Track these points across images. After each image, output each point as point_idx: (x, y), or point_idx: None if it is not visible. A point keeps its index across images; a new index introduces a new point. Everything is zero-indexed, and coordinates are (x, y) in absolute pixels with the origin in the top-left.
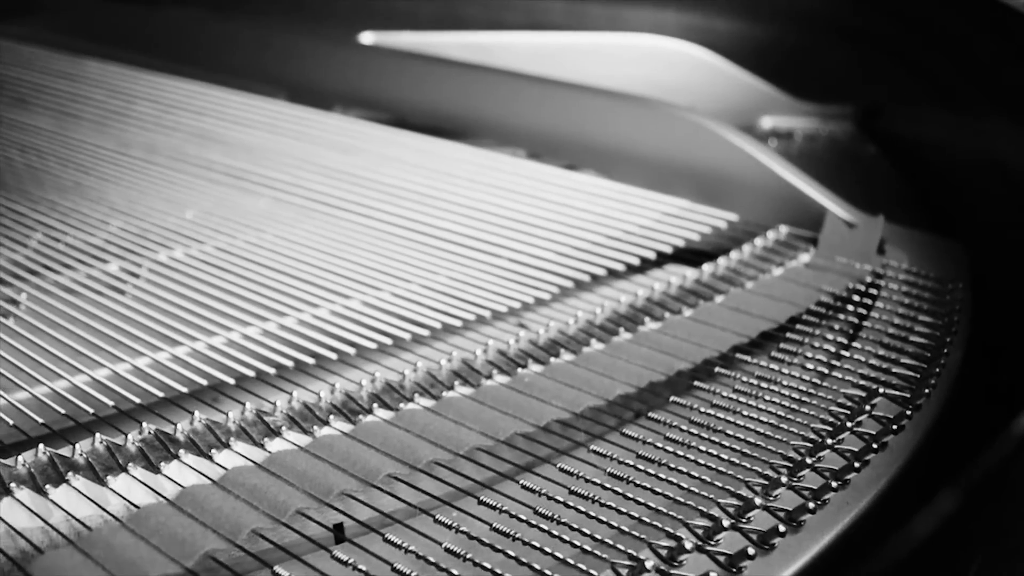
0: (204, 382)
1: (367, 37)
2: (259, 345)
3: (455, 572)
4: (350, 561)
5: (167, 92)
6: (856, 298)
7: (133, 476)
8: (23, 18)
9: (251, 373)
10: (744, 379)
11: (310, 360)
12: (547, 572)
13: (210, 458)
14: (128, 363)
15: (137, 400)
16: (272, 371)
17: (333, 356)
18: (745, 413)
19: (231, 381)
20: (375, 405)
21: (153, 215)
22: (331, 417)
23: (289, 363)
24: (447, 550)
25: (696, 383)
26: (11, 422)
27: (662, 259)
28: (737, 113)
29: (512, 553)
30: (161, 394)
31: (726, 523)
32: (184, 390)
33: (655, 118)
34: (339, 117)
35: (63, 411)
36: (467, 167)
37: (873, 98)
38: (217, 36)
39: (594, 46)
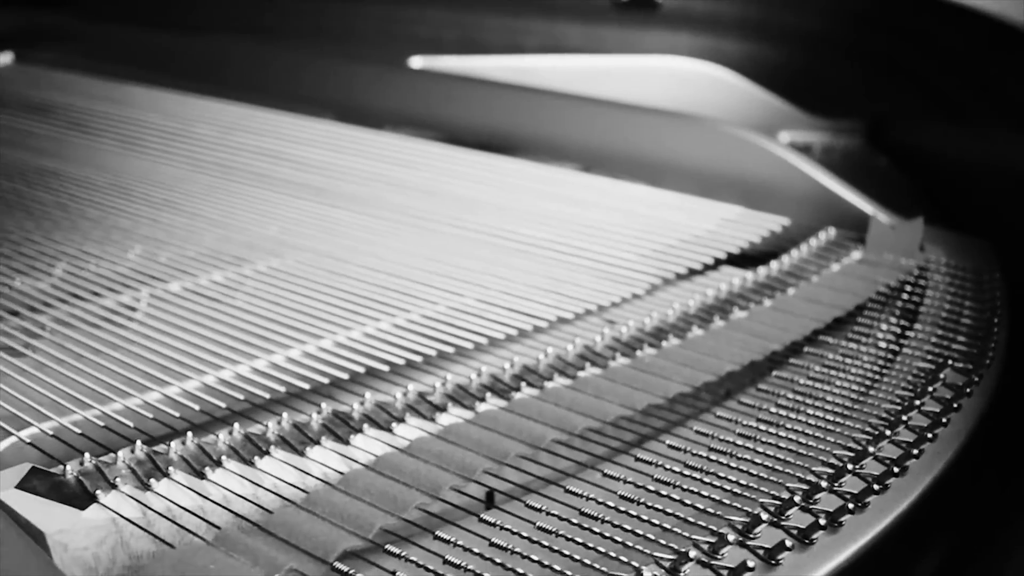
0: (361, 369)
1: (416, 61)
2: (401, 338)
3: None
4: (497, 523)
5: (224, 115)
6: (909, 288)
7: (327, 449)
8: (53, 44)
9: (400, 362)
10: (823, 362)
11: (450, 349)
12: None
13: (391, 431)
14: (298, 349)
15: (306, 386)
16: (401, 361)
17: (450, 350)
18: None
19: (385, 368)
20: (523, 384)
21: (243, 228)
22: (487, 395)
23: (431, 353)
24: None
25: (789, 360)
26: (196, 407)
27: (717, 262)
28: (757, 129)
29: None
30: (325, 380)
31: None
32: (345, 376)
33: (701, 133)
34: (397, 136)
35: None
36: (533, 181)
37: (880, 112)
38: (263, 62)
39: (621, 69)
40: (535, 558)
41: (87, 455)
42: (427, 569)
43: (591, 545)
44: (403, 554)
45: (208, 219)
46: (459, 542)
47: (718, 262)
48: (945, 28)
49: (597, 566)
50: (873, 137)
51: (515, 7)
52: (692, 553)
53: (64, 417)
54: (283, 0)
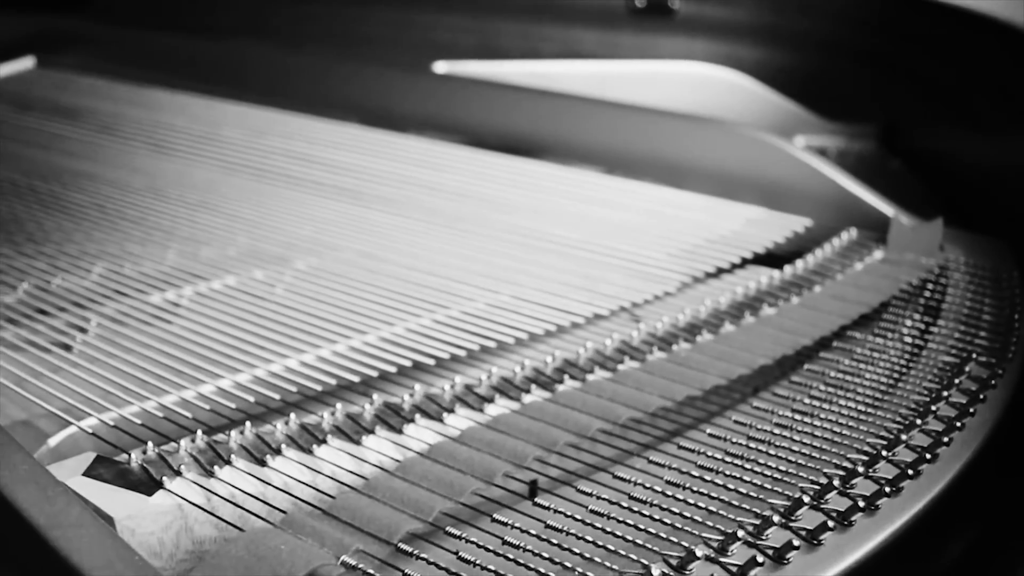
0: (407, 363)
1: (440, 67)
2: (443, 333)
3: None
4: (551, 506)
5: (250, 119)
6: (931, 286)
7: (380, 438)
8: (74, 48)
9: (445, 356)
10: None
11: (491, 344)
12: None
13: (441, 420)
14: (344, 344)
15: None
16: (446, 355)
17: (493, 344)
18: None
19: (431, 362)
20: (566, 376)
21: (279, 229)
22: (532, 387)
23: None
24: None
25: (819, 354)
26: (251, 398)
27: (744, 262)
28: (772, 133)
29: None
30: (374, 373)
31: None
32: (392, 370)
33: (722, 136)
34: (423, 139)
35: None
36: (560, 183)
37: (893, 116)
38: (284, 66)
39: (637, 73)
40: (589, 538)
41: (150, 444)
42: (487, 549)
43: (641, 527)
44: (463, 535)
45: (244, 219)
46: (516, 524)
47: (745, 261)
48: (957, 33)
49: (649, 546)
50: (887, 141)
51: (532, 13)
52: (739, 534)
53: (122, 408)
54: (297, 4)
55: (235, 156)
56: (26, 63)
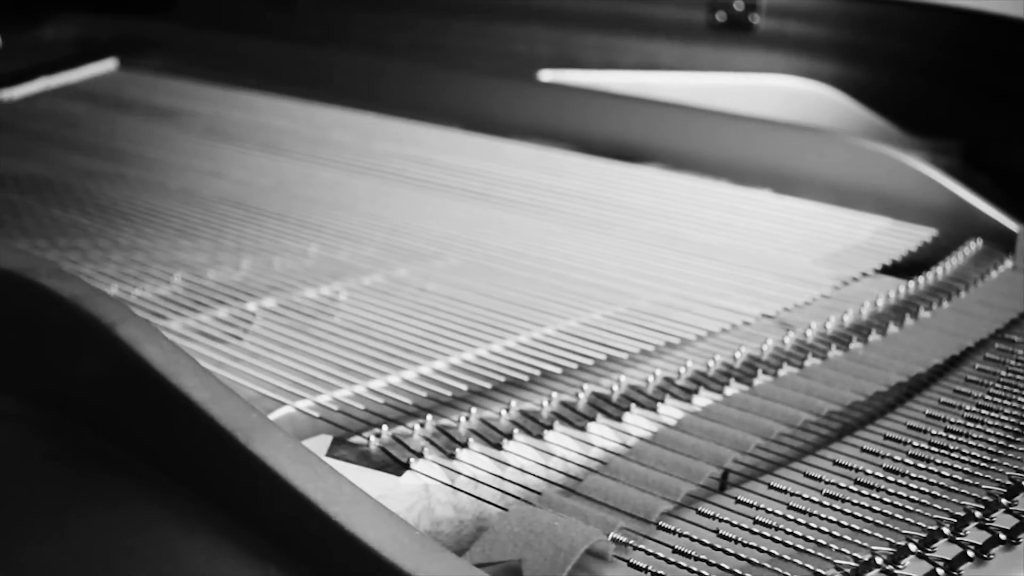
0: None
1: (546, 75)
2: (613, 331)
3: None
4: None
5: (359, 124)
6: None
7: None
8: (155, 51)
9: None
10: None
11: (660, 342)
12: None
13: (655, 410)
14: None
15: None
16: (622, 353)
17: (661, 343)
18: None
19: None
20: (760, 371)
21: (419, 227)
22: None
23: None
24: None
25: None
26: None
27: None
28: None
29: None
30: (590, 361)
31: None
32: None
33: (838, 147)
34: (540, 145)
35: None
36: (687, 191)
37: (972, 133)
38: (387, 74)
39: (723, 86)
40: (817, 520)
41: (384, 427)
42: (731, 524)
43: (844, 522)
44: (715, 515)
45: (379, 218)
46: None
47: (886, 269)
48: None
49: (848, 537)
50: (970, 158)
51: (611, 26)
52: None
53: (332, 392)
54: (374, 12)
55: (352, 158)
56: (108, 65)
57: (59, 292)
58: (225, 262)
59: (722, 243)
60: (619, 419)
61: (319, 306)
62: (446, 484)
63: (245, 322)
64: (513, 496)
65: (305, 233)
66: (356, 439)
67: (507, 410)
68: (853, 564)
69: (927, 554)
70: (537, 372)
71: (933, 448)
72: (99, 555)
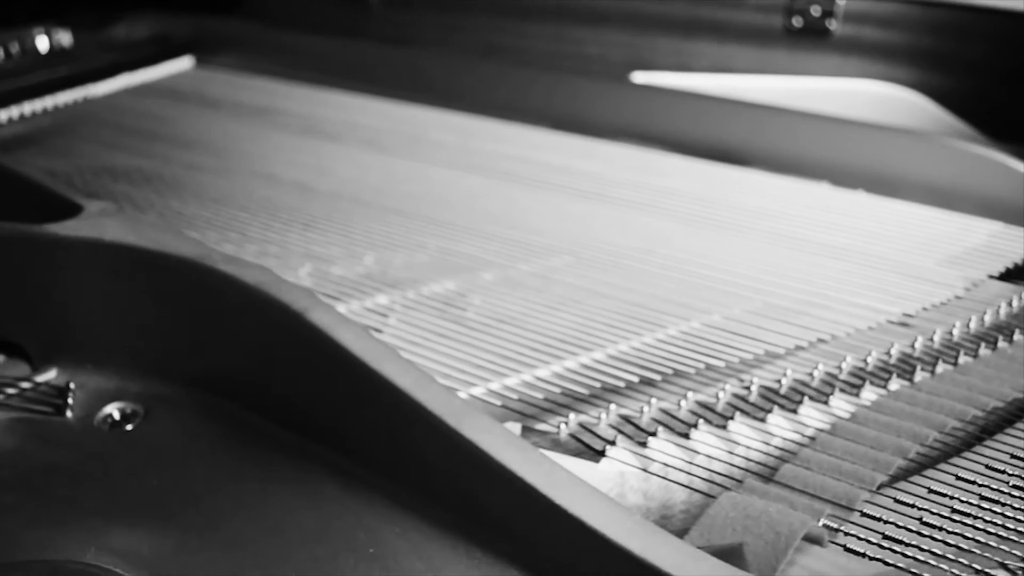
0: (760, 351)
1: (639, 77)
2: (759, 328)
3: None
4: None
5: (456, 124)
6: None
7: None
8: (230, 49)
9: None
10: None
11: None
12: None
13: (826, 403)
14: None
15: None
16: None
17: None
18: None
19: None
20: (895, 375)
21: (531, 224)
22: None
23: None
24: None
25: None
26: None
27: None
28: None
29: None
30: (749, 355)
31: None
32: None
33: (940, 151)
34: (637, 147)
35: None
36: (795, 193)
37: None
38: (483, 76)
39: (802, 90)
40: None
41: (571, 415)
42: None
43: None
44: (913, 503)
45: (494, 215)
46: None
47: (1009, 273)
48: None
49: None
50: None
51: (686, 30)
52: None
53: (502, 380)
54: (446, 14)
55: (456, 157)
56: (185, 63)
57: (241, 278)
58: (356, 255)
59: (844, 244)
60: (794, 411)
61: (450, 300)
62: (643, 471)
63: (381, 315)
64: (715, 483)
65: (428, 228)
66: (543, 426)
67: (684, 400)
68: None
69: None
70: (701, 365)
71: None
72: (308, 545)
